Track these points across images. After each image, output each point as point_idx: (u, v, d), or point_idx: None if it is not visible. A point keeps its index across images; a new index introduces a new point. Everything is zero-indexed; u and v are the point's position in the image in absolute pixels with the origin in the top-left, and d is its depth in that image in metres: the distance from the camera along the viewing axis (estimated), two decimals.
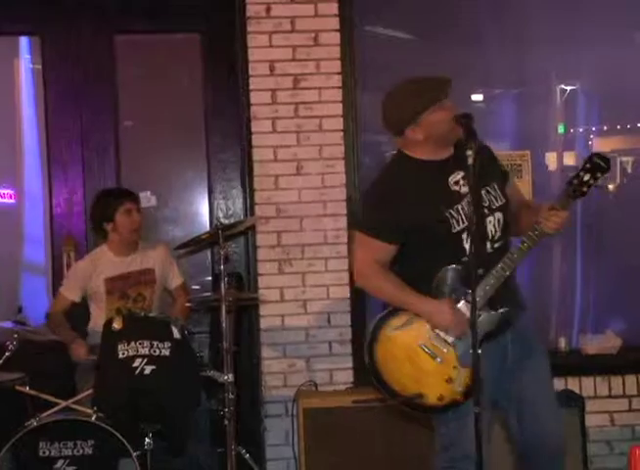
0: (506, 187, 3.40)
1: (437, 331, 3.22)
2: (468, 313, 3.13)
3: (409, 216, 3.22)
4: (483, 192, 3.27)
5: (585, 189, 3.13)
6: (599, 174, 3.12)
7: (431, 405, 3.24)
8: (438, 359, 3.22)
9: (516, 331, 3.30)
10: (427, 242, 3.25)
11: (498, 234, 3.29)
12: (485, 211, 3.26)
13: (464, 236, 3.22)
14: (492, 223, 3.28)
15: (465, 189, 3.22)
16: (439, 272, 3.23)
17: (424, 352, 3.23)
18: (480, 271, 3.14)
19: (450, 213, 3.22)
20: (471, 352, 3.08)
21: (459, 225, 3.22)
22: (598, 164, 3.12)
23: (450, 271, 3.22)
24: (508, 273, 3.19)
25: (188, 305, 4.54)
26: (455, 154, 3.27)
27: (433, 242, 3.23)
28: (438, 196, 3.24)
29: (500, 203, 3.31)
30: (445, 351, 3.22)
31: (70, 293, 4.44)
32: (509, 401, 3.34)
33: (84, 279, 4.42)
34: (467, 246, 3.21)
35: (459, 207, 3.23)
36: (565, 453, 3.45)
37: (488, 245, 3.26)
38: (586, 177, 3.11)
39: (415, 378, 3.23)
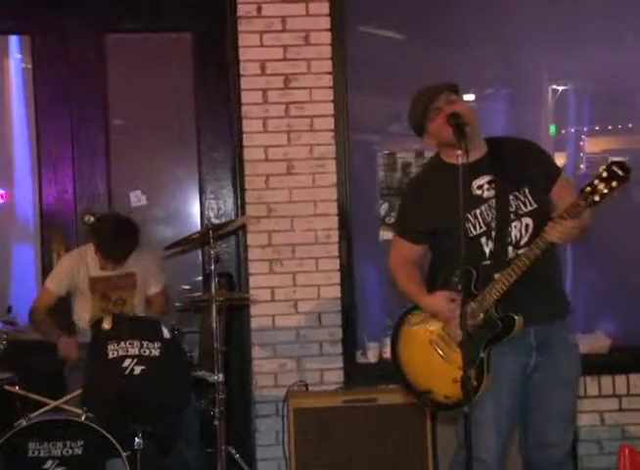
0: (552, 188, 3.34)
1: (447, 330, 3.26)
2: (475, 313, 3.18)
3: (429, 219, 3.33)
4: (511, 197, 3.26)
5: (597, 198, 2.95)
6: (614, 184, 2.94)
7: (439, 402, 3.30)
8: (446, 358, 3.26)
9: (541, 340, 3.29)
10: (447, 245, 3.27)
11: (524, 240, 3.25)
12: (512, 216, 3.25)
13: (483, 240, 3.26)
14: (518, 228, 3.26)
15: (488, 193, 3.27)
16: (449, 274, 3.29)
17: (434, 350, 3.30)
18: (497, 276, 3.17)
19: (468, 218, 3.24)
20: (475, 353, 3.15)
21: (476, 230, 3.26)
22: (615, 173, 2.93)
23: (460, 273, 3.22)
24: (514, 279, 3.13)
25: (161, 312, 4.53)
26: (486, 156, 3.31)
27: (452, 246, 3.17)
28: (457, 200, 3.11)
29: (530, 208, 3.27)
30: (452, 351, 3.24)
31: (57, 286, 4.43)
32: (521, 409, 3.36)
33: (71, 273, 4.41)
34: (487, 249, 3.25)
35: (477, 211, 3.27)
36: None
37: (510, 249, 3.25)
38: (600, 186, 2.94)
39: (426, 374, 3.32)
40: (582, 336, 5.05)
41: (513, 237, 3.25)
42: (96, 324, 3.93)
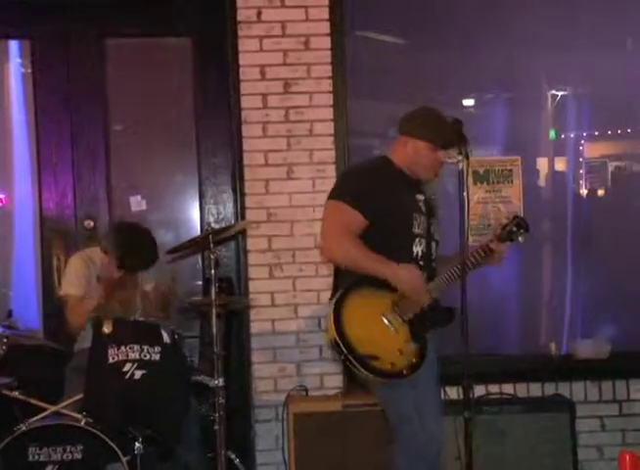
0: None
1: (397, 308, 3.50)
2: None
3: (383, 200, 3.53)
4: (432, 221, 3.69)
5: (513, 238, 3.57)
6: (522, 231, 3.56)
7: (382, 369, 3.45)
8: (393, 330, 3.49)
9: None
10: (392, 233, 3.53)
11: (434, 260, 3.67)
12: (431, 235, 3.67)
13: (416, 240, 3.59)
14: (433, 249, 3.67)
15: (423, 209, 3.65)
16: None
17: (382, 321, 3.50)
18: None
19: (415, 216, 3.60)
20: (421, 334, 3.52)
21: (417, 229, 3.59)
22: (522, 225, 3.56)
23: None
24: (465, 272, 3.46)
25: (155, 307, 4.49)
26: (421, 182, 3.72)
27: (395, 234, 3.54)
28: (407, 200, 3.62)
29: (437, 238, 3.70)
30: (400, 324, 3.50)
31: (75, 289, 4.32)
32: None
33: (83, 273, 4.36)
34: (415, 250, 3.58)
35: (419, 217, 3.62)
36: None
37: (427, 260, 3.62)
38: (514, 229, 3.55)
39: (373, 341, 3.47)
40: (583, 341, 5.07)
41: (431, 251, 3.66)
42: (96, 328, 3.92)
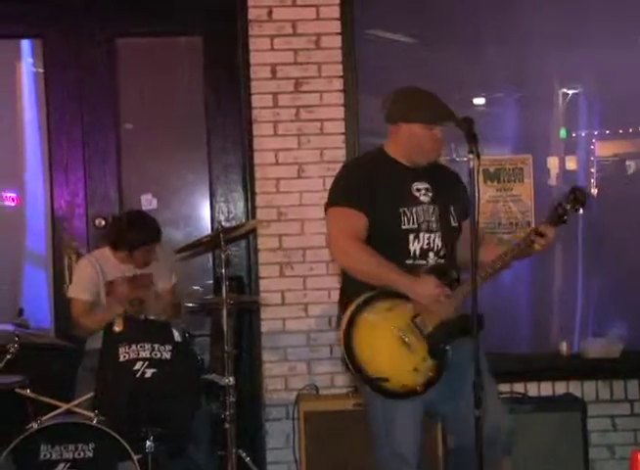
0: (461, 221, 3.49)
1: (416, 321, 3.28)
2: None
3: (369, 196, 3.35)
4: (444, 209, 3.41)
5: (565, 218, 3.29)
6: (578, 207, 3.28)
7: (393, 391, 3.28)
8: (411, 348, 3.27)
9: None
10: (377, 233, 3.35)
11: (443, 251, 3.39)
12: (440, 224, 3.39)
13: (411, 237, 3.34)
14: (441, 238, 3.38)
15: (424, 198, 3.40)
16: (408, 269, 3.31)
17: (399, 339, 3.28)
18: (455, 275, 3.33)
19: (404, 211, 3.35)
20: (442, 346, 3.26)
21: (408, 224, 3.34)
22: (578, 198, 3.27)
23: (433, 267, 3.34)
24: (487, 279, 3.29)
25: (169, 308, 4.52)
26: (426, 167, 3.44)
27: (381, 234, 3.34)
28: (397, 193, 3.38)
29: (454, 224, 3.44)
30: (418, 341, 3.28)
31: (83, 293, 4.40)
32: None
33: (92, 279, 4.40)
34: (412, 247, 3.34)
35: (413, 209, 3.36)
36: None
37: (432, 255, 3.37)
38: (568, 207, 3.27)
39: (387, 362, 3.28)
40: (594, 340, 5.05)
41: (436, 244, 3.37)
42: (107, 327, 3.93)
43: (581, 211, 3.31)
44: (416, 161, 3.42)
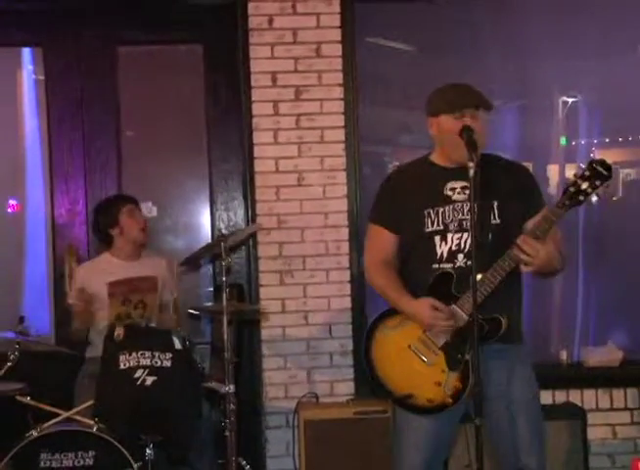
0: (527, 218, 3.28)
1: (428, 334, 3.23)
2: (458, 315, 3.17)
3: (398, 208, 3.32)
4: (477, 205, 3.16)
5: (582, 198, 2.98)
6: (598, 182, 2.95)
7: (421, 407, 3.25)
8: (427, 362, 3.23)
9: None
10: (405, 239, 3.32)
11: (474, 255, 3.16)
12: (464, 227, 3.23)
13: (437, 239, 3.25)
14: (472, 239, 3.15)
15: (458, 196, 3.26)
16: (432, 276, 3.23)
17: (414, 354, 3.25)
18: (480, 277, 3.11)
19: (428, 212, 3.27)
20: (459, 356, 3.16)
21: (433, 226, 3.25)
22: (598, 172, 2.96)
23: (442, 275, 3.23)
24: (498, 282, 3.12)
25: (174, 318, 4.53)
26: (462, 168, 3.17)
27: (409, 239, 3.31)
28: (425, 194, 3.29)
29: (493, 222, 3.25)
30: (435, 354, 3.23)
31: (79, 299, 4.42)
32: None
33: (86, 283, 4.41)
34: (439, 250, 3.24)
35: (440, 209, 3.26)
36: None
37: (461, 257, 3.23)
38: (584, 185, 2.96)
39: (406, 378, 3.26)
40: (594, 349, 5.05)
41: (468, 245, 3.20)
42: (108, 335, 3.93)
43: (600, 189, 2.97)
44: (454, 157, 3.24)
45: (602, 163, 2.98)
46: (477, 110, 3.23)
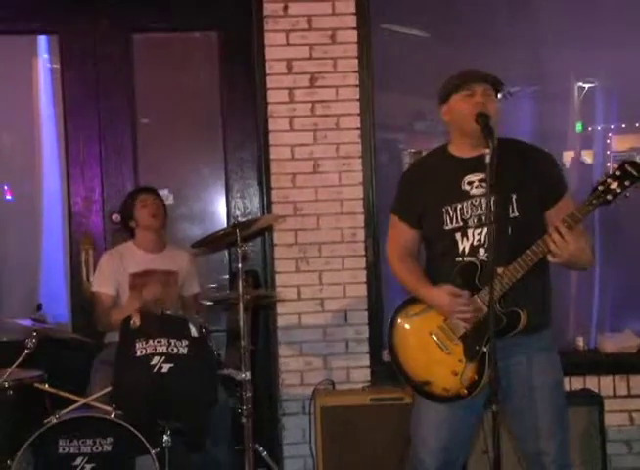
0: (551, 207, 3.25)
1: (449, 323, 3.24)
2: (478, 306, 3.16)
3: (417, 203, 3.34)
4: (501, 200, 3.14)
5: (610, 197, 2.94)
6: (628, 183, 2.92)
7: (438, 395, 3.27)
8: (447, 351, 3.24)
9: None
10: (427, 234, 3.36)
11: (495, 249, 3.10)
12: (491, 217, 3.13)
13: (458, 236, 3.24)
14: (495, 231, 3.08)
15: (476, 191, 3.23)
16: (456, 267, 3.23)
17: (434, 342, 3.27)
18: (500, 270, 3.11)
19: (447, 210, 3.25)
20: (477, 347, 3.17)
21: (452, 223, 3.25)
22: (629, 173, 2.92)
23: (466, 265, 3.22)
24: (520, 275, 3.10)
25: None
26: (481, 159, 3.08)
27: (430, 235, 3.35)
28: (443, 191, 3.28)
29: (511, 215, 3.20)
30: (453, 343, 3.24)
31: (106, 287, 4.45)
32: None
33: (114, 272, 4.44)
34: (461, 246, 3.23)
35: (458, 205, 3.24)
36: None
37: (482, 251, 3.20)
38: (613, 185, 2.93)
39: (424, 366, 3.29)
40: (611, 335, 5.04)
41: (486, 239, 3.15)
42: (125, 322, 3.94)
43: (630, 189, 2.93)
44: (468, 139, 3.20)
45: (634, 163, 2.94)
46: (485, 83, 3.21)
